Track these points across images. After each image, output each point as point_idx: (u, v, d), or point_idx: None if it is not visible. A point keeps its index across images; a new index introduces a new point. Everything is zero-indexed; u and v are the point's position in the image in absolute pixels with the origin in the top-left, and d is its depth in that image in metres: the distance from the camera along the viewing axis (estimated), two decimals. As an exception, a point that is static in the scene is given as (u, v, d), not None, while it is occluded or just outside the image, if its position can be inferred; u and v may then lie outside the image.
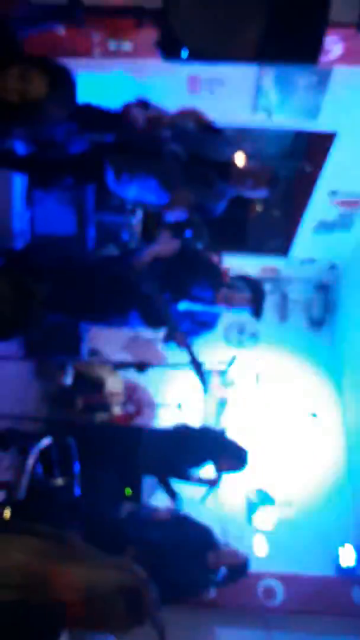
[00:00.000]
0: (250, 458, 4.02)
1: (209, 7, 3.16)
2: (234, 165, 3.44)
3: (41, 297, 2.60)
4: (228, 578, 3.62)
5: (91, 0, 3.25)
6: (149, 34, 3.66)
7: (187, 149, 3.40)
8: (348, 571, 5.41)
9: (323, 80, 4.38)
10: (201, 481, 4.08)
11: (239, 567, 3.67)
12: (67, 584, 1.62)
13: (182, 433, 4.16)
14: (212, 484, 4.09)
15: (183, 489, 4.22)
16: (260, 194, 3.53)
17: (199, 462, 4.04)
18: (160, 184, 3.44)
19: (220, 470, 4.01)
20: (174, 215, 3.41)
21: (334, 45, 3.95)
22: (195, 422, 5.63)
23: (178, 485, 4.18)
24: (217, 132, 3.53)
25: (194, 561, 3.56)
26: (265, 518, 5.62)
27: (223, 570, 3.56)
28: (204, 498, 4.23)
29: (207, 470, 4.10)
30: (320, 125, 4.73)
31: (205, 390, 3.98)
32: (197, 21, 3.20)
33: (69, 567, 1.67)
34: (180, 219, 3.42)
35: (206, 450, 4.02)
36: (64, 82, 2.41)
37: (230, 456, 4.00)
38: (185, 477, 4.06)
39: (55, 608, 1.60)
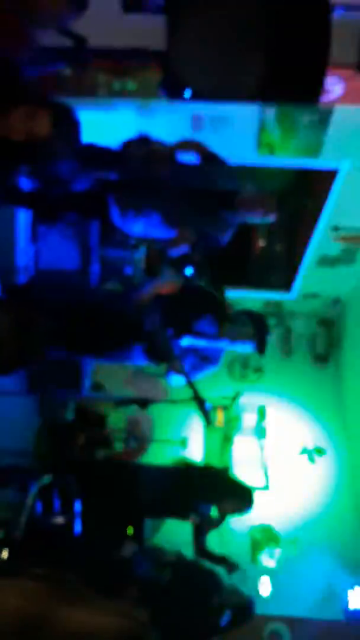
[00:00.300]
0: (255, 499, 3.92)
1: (212, 49, 3.24)
2: (241, 194, 3.46)
3: (43, 332, 2.59)
4: (233, 622, 3.52)
5: (96, 41, 3.34)
6: (153, 75, 3.75)
7: (191, 180, 3.43)
8: (358, 615, 5.25)
9: (325, 118, 4.46)
10: (203, 522, 3.96)
11: (244, 610, 3.56)
12: (65, 630, 1.57)
13: (183, 471, 4.07)
14: (215, 525, 3.97)
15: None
16: (269, 219, 3.55)
17: (200, 503, 3.93)
18: (163, 219, 3.47)
19: (223, 512, 3.90)
20: (177, 251, 3.43)
21: (334, 85, 4.03)
22: (198, 459, 5.58)
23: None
24: (219, 162, 3.57)
25: (198, 604, 3.46)
26: (270, 557, 5.49)
27: (227, 614, 3.46)
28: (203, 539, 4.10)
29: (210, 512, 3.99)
30: (323, 162, 4.79)
31: (208, 426, 3.92)
32: (199, 62, 3.27)
33: (67, 612, 1.62)
34: (182, 253, 3.44)
35: (209, 491, 3.92)
36: (68, 121, 2.45)
37: (235, 498, 3.89)
38: (186, 516, 3.95)
39: None
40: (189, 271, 3.58)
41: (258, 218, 3.53)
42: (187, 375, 3.36)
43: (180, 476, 4.04)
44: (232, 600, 3.57)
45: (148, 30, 3.32)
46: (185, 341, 3.55)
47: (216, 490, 3.91)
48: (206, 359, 3.68)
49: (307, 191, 5.83)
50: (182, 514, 3.98)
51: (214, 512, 3.90)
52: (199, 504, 3.88)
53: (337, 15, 3.30)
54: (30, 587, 1.65)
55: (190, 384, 3.37)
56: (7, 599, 1.58)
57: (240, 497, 3.92)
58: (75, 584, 1.80)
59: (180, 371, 3.40)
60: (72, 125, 2.46)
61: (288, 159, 4.84)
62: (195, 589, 3.51)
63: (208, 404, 3.49)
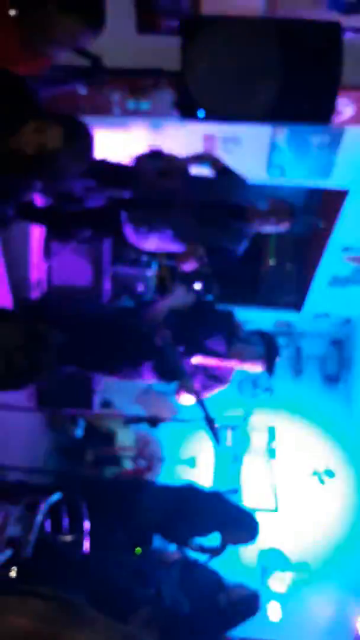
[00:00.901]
0: (261, 530, 3.82)
1: (225, 69, 3.28)
2: (254, 205, 3.47)
3: (54, 346, 2.59)
4: (240, 616, 3.45)
5: (112, 61, 3.38)
6: (167, 94, 3.79)
7: (204, 194, 3.45)
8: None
9: (336, 139, 4.48)
10: (203, 550, 3.88)
11: (251, 602, 3.50)
12: None
13: (188, 495, 4.00)
14: (215, 553, 3.88)
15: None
16: (277, 227, 3.56)
17: (203, 530, 3.85)
18: (176, 234, 3.48)
19: (227, 542, 3.81)
20: (187, 267, 3.43)
21: (345, 107, 4.06)
22: (207, 478, 5.52)
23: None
24: (231, 175, 3.59)
25: (206, 608, 3.40)
26: (279, 581, 5.40)
27: (235, 610, 3.41)
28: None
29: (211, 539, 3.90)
30: (333, 182, 4.80)
31: (217, 445, 3.86)
32: (213, 82, 3.30)
33: (75, 634, 1.59)
34: (192, 269, 3.43)
35: (213, 519, 3.83)
36: (80, 135, 2.47)
37: (240, 529, 3.80)
38: (186, 543, 3.87)
39: None
40: (197, 286, 3.57)
41: (271, 227, 3.54)
42: (197, 395, 3.33)
43: (182, 498, 3.96)
44: (238, 593, 3.50)
45: (163, 51, 3.36)
46: (196, 360, 3.53)
47: (220, 520, 3.81)
48: (216, 378, 3.66)
49: (317, 211, 5.85)
50: (183, 541, 3.90)
51: (216, 541, 3.83)
52: (199, 534, 3.82)
53: (348, 38, 3.33)
54: (38, 607, 1.63)
55: (201, 403, 3.34)
56: (17, 620, 1.56)
57: (244, 528, 3.83)
58: (83, 606, 1.77)
59: (190, 390, 3.37)
60: (84, 139, 2.47)
61: (299, 180, 4.86)
62: (201, 592, 3.45)
63: (217, 424, 3.46)
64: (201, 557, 3.82)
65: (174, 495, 4.00)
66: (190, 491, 4.01)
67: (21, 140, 2.35)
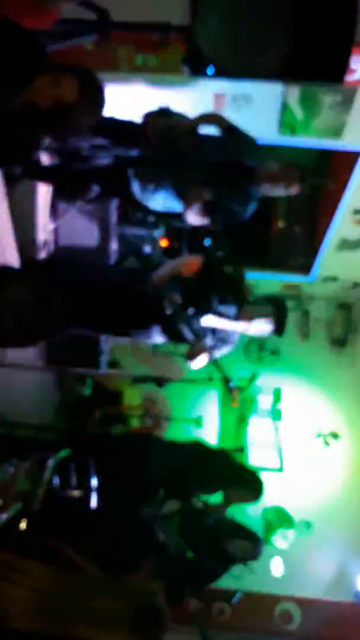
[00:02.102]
0: (265, 489, 3.89)
1: (236, 25, 3.19)
2: (263, 167, 3.43)
3: (62, 305, 2.61)
4: (243, 558, 3.57)
5: (119, 15, 3.30)
6: (176, 50, 3.71)
7: (212, 153, 3.40)
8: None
9: (348, 99, 4.40)
10: (206, 507, 3.96)
11: (253, 545, 3.61)
12: (80, 617, 1.61)
13: (195, 451, 4.07)
14: (218, 510, 3.96)
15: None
16: (285, 190, 3.51)
17: (208, 487, 3.92)
18: (179, 192, 3.45)
19: (230, 501, 3.88)
20: (192, 215, 3.38)
21: (359, 65, 3.96)
22: (213, 438, 5.60)
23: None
24: (239, 135, 3.54)
25: (210, 546, 3.51)
26: (282, 538, 5.52)
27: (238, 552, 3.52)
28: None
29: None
30: (345, 143, 4.73)
31: (232, 402, 3.88)
32: (223, 38, 3.23)
33: (83, 598, 1.65)
34: (200, 221, 3.40)
35: (219, 476, 3.90)
36: (94, 88, 2.44)
37: (245, 488, 3.87)
38: (190, 499, 3.95)
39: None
40: (207, 242, 3.55)
41: (280, 191, 3.49)
42: (210, 353, 3.35)
43: (191, 457, 4.03)
44: (241, 546, 3.60)
45: (171, 5, 3.28)
46: (206, 320, 3.54)
47: (225, 478, 3.88)
48: (223, 339, 3.67)
49: (328, 173, 5.76)
50: (187, 496, 3.98)
51: (219, 498, 3.90)
52: (204, 491, 3.89)
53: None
54: (46, 571, 1.69)
55: (216, 363, 3.36)
56: (23, 582, 1.62)
57: (249, 487, 3.89)
58: (89, 566, 1.83)
59: (204, 350, 3.38)
60: (98, 93, 2.44)
61: (310, 140, 4.79)
62: (205, 531, 3.55)
63: (232, 384, 3.48)
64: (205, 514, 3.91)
65: (181, 451, 4.06)
66: (198, 448, 4.07)
67: (36, 93, 2.32)
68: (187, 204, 3.39)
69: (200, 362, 3.39)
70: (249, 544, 3.63)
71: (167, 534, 3.41)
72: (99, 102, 2.45)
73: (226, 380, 3.37)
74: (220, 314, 3.49)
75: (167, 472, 3.87)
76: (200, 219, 3.43)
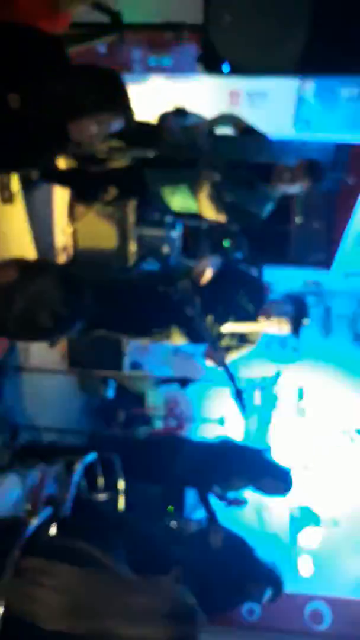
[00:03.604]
0: (294, 481, 3.88)
1: (250, 22, 3.17)
2: (280, 166, 3.40)
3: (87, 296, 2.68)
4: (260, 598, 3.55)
5: (132, 17, 3.30)
6: (189, 49, 3.70)
7: (228, 154, 3.38)
8: None
9: (365, 91, 4.34)
10: (232, 502, 3.95)
11: (275, 588, 3.57)
12: (114, 614, 1.61)
13: (225, 446, 4.07)
14: (239, 503, 3.95)
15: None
16: (302, 187, 3.47)
17: (236, 480, 3.91)
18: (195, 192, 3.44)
19: (261, 492, 3.87)
20: (206, 203, 3.35)
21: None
22: (237, 438, 5.58)
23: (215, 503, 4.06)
24: (255, 135, 3.51)
25: (232, 584, 3.48)
26: (310, 537, 5.48)
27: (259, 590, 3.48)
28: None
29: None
30: (363, 136, 4.67)
31: (243, 412, 3.87)
32: (238, 35, 3.20)
33: (117, 595, 1.66)
34: (214, 213, 3.37)
35: (250, 468, 3.90)
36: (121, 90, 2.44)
37: (274, 479, 3.86)
38: (218, 495, 3.93)
39: (102, 638, 1.60)
40: (226, 243, 3.52)
41: (298, 189, 3.46)
42: (224, 365, 3.33)
43: (222, 452, 4.03)
44: (265, 576, 3.57)
45: (184, 4, 3.26)
46: (226, 327, 3.52)
47: (257, 469, 3.89)
48: (244, 339, 3.65)
49: (346, 167, 5.71)
50: (215, 492, 3.97)
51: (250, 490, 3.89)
52: (233, 486, 3.87)
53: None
54: (76, 573, 1.69)
55: (228, 373, 3.34)
56: (56, 585, 1.63)
57: (278, 478, 3.89)
58: (119, 569, 1.83)
59: (218, 362, 3.36)
60: (124, 97, 2.44)
61: (327, 134, 4.73)
62: (236, 558, 3.53)
63: (244, 391, 3.47)
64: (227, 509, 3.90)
65: (211, 447, 4.06)
66: (227, 443, 4.07)
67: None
68: (197, 187, 3.37)
69: (219, 364, 3.38)
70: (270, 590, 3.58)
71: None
72: (126, 106, 2.44)
73: (238, 392, 3.35)
74: (239, 316, 3.47)
75: (197, 469, 3.86)
76: (213, 207, 3.41)
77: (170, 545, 3.43)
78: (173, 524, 3.89)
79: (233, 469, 3.90)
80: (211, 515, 3.96)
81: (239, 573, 3.53)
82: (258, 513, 4.35)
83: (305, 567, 5.26)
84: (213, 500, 3.98)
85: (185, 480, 4.03)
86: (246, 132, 3.54)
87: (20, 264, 2.93)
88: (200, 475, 3.90)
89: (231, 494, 3.97)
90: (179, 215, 4.27)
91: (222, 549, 3.57)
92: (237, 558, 3.59)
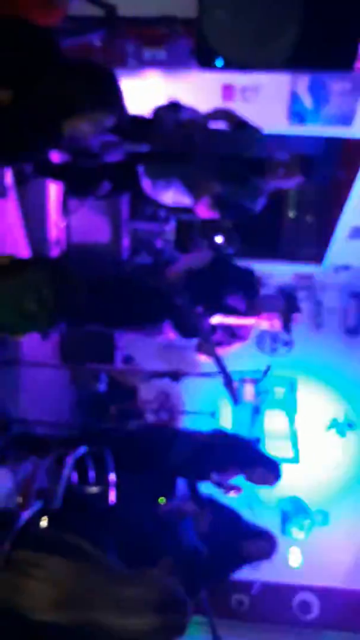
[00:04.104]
0: (284, 471, 3.92)
1: (244, 16, 3.17)
2: (273, 161, 3.41)
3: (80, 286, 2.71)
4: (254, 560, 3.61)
5: (126, 11, 3.29)
6: (183, 44, 3.69)
7: (222, 148, 3.39)
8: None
9: (357, 86, 4.35)
10: (225, 487, 3.99)
11: (267, 551, 3.64)
12: (105, 604, 1.64)
13: (217, 436, 4.10)
14: (236, 490, 4.00)
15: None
16: (293, 182, 3.49)
17: (229, 469, 3.95)
18: (189, 187, 3.45)
19: (250, 482, 3.91)
20: (202, 209, 3.37)
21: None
22: (229, 430, 5.62)
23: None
24: (249, 130, 3.52)
25: (225, 554, 3.54)
26: (299, 528, 5.54)
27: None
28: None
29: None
30: (355, 131, 4.68)
31: (235, 403, 3.90)
32: (231, 30, 3.21)
33: (107, 587, 1.68)
34: (209, 214, 3.39)
35: (240, 458, 3.93)
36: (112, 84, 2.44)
37: (264, 469, 3.90)
38: (218, 482, 3.98)
39: (92, 628, 1.62)
40: (218, 239, 3.54)
41: (290, 183, 3.48)
42: (215, 357, 3.35)
43: (213, 442, 4.05)
44: (258, 546, 3.64)
45: (178, -2, 3.26)
46: (216, 319, 3.54)
47: (247, 459, 3.92)
48: (235, 334, 3.68)
49: (338, 161, 5.72)
50: (207, 478, 4.00)
51: (240, 480, 3.92)
52: (224, 474, 3.91)
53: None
54: (67, 566, 1.72)
55: (219, 364, 3.36)
56: (47, 577, 1.66)
57: (269, 469, 3.93)
58: (108, 561, 1.86)
59: (209, 352, 3.39)
60: (116, 92, 2.44)
61: (319, 129, 4.75)
62: (223, 534, 3.58)
63: (236, 382, 3.49)
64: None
65: (203, 437, 4.09)
66: (219, 433, 4.10)
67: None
68: (196, 197, 3.39)
69: (210, 356, 3.40)
70: (265, 544, 3.64)
71: (183, 535, 3.43)
72: (119, 103, 2.45)
73: (228, 382, 3.38)
74: (230, 310, 3.50)
75: (189, 457, 3.89)
76: (209, 212, 3.43)
77: (161, 536, 3.47)
78: (163, 509, 3.92)
79: (225, 459, 3.94)
80: (199, 502, 3.99)
81: (232, 540, 3.58)
82: (248, 504, 4.37)
83: (294, 558, 5.31)
84: (206, 488, 4.03)
85: (177, 470, 4.05)
86: (239, 126, 3.55)
87: (12, 259, 2.95)
88: (193, 464, 3.93)
89: (227, 482, 4.00)
90: (172, 210, 4.28)
91: (212, 527, 3.62)
92: (228, 529, 3.64)
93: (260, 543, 3.62)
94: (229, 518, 3.74)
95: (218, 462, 3.91)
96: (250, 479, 3.88)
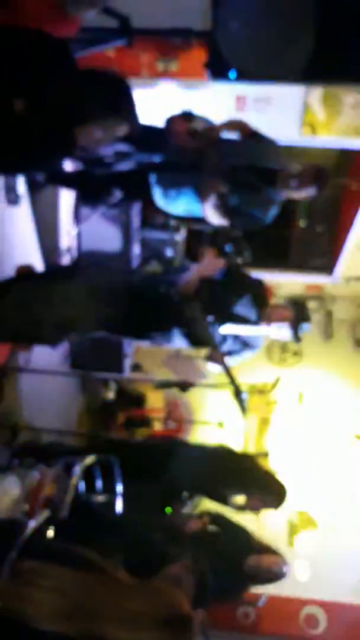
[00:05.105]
0: (289, 495, 3.82)
1: (257, 29, 3.19)
2: (285, 171, 3.41)
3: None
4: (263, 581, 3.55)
5: (140, 22, 3.31)
6: (197, 55, 3.71)
7: (234, 158, 3.39)
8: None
9: (369, 98, 4.36)
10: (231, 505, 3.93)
11: (277, 573, 3.57)
12: (111, 617, 1.63)
13: (220, 455, 4.04)
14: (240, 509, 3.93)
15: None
16: (306, 193, 3.47)
17: (230, 491, 3.87)
18: (200, 196, 3.45)
19: (252, 506, 3.83)
20: (209, 209, 3.36)
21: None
22: (236, 442, 5.60)
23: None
24: (262, 140, 3.52)
25: (233, 568, 3.49)
26: (307, 542, 5.49)
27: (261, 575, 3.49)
28: None
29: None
30: (367, 142, 4.69)
31: (243, 414, 3.85)
32: (245, 42, 3.22)
33: (114, 599, 1.67)
34: (217, 217, 3.38)
35: (242, 481, 3.85)
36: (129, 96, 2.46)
37: (267, 494, 3.81)
38: (216, 499, 3.92)
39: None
40: (228, 248, 3.54)
41: (302, 194, 3.47)
42: (225, 366, 3.34)
43: (216, 461, 4.01)
44: (266, 561, 3.57)
45: (192, 10, 3.28)
46: (226, 329, 3.53)
47: (249, 482, 3.83)
48: (245, 344, 3.67)
49: (349, 172, 5.72)
50: (212, 496, 3.95)
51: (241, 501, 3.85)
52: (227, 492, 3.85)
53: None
54: (74, 576, 1.71)
55: (229, 374, 3.35)
56: (52, 587, 1.65)
57: (271, 493, 3.83)
58: (116, 571, 1.85)
59: (218, 361, 3.38)
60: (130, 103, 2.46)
61: (332, 140, 4.75)
62: (228, 553, 3.53)
63: (244, 394, 3.47)
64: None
65: (206, 455, 4.06)
66: (223, 452, 4.06)
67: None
68: (203, 197, 3.38)
69: (220, 365, 3.39)
70: (276, 558, 3.57)
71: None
72: (132, 112, 2.46)
73: (237, 392, 3.36)
74: (240, 319, 3.48)
75: (191, 475, 3.86)
76: (217, 214, 3.42)
77: (168, 547, 3.45)
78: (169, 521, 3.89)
79: (229, 477, 3.87)
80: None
81: (242, 558, 3.53)
82: (255, 516, 4.34)
83: (302, 572, 5.27)
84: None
85: (183, 483, 4.02)
86: (252, 136, 3.55)
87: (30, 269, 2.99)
88: (198, 479, 3.90)
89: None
90: (183, 219, 4.29)
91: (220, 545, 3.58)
92: (237, 547, 3.59)
93: (271, 558, 3.54)
94: (238, 536, 3.67)
95: (220, 484, 3.84)
96: (250, 504, 3.79)
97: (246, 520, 4.00)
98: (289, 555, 5.22)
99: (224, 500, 3.85)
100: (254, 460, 4.18)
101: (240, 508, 3.84)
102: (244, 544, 3.64)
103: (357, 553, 5.49)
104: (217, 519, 3.82)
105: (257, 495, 3.73)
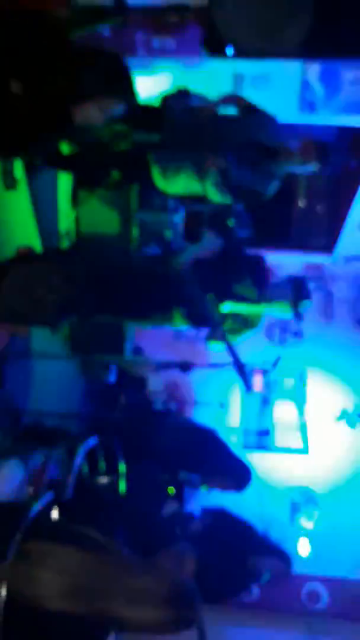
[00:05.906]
0: (253, 480, 3.72)
1: (254, 5, 3.15)
2: (284, 145, 3.38)
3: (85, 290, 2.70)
4: (268, 581, 3.51)
5: (135, 0, 3.26)
6: (193, 32, 3.66)
7: (233, 134, 3.36)
8: None
9: (370, 74, 4.30)
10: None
11: (282, 571, 3.56)
12: (116, 595, 1.65)
13: (190, 430, 4.00)
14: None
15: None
16: (308, 168, 3.45)
17: (195, 469, 3.81)
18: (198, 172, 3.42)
19: (211, 488, 3.78)
20: (211, 187, 3.33)
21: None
22: (237, 422, 5.63)
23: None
24: (259, 114, 3.49)
25: (236, 564, 3.48)
26: (308, 519, 5.55)
27: (266, 574, 3.46)
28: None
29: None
30: (367, 119, 4.65)
31: (247, 390, 3.84)
32: (242, 18, 3.18)
33: (119, 577, 1.69)
34: (217, 192, 3.35)
35: (201, 459, 3.78)
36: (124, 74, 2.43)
37: (226, 476, 3.69)
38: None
39: (102, 618, 1.64)
40: (231, 223, 3.51)
41: (302, 168, 3.44)
42: (227, 342, 3.34)
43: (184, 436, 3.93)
44: (271, 560, 3.55)
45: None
46: (226, 306, 3.53)
47: (207, 462, 3.77)
48: (245, 322, 3.66)
49: (349, 150, 5.67)
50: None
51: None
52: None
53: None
54: (79, 556, 1.73)
55: (231, 350, 3.35)
56: (58, 567, 1.67)
57: (231, 475, 3.78)
58: (120, 552, 1.87)
59: (220, 338, 3.39)
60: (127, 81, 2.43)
61: (331, 117, 4.70)
62: (232, 548, 3.50)
63: (248, 370, 3.46)
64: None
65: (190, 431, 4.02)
66: (192, 427, 4.03)
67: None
68: (203, 173, 3.35)
69: (218, 345, 3.39)
70: (280, 563, 3.42)
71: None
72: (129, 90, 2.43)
73: (240, 368, 3.36)
74: (240, 298, 3.48)
75: (176, 450, 3.81)
76: (217, 191, 3.39)
77: (171, 526, 3.46)
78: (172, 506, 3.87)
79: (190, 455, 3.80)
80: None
81: (242, 552, 3.52)
82: (257, 494, 4.36)
83: (303, 548, 5.33)
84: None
85: (177, 461, 3.98)
86: (249, 111, 3.52)
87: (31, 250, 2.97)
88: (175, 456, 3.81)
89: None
90: (182, 199, 4.26)
91: (221, 532, 3.56)
92: (238, 538, 3.58)
93: (274, 562, 3.48)
94: (238, 530, 3.64)
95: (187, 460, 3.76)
96: (208, 482, 3.72)
97: (249, 497, 4.00)
98: (291, 532, 5.32)
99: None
100: (219, 437, 4.08)
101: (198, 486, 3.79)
102: (248, 540, 3.60)
103: (357, 529, 5.54)
104: (219, 512, 3.81)
105: (217, 475, 3.69)
